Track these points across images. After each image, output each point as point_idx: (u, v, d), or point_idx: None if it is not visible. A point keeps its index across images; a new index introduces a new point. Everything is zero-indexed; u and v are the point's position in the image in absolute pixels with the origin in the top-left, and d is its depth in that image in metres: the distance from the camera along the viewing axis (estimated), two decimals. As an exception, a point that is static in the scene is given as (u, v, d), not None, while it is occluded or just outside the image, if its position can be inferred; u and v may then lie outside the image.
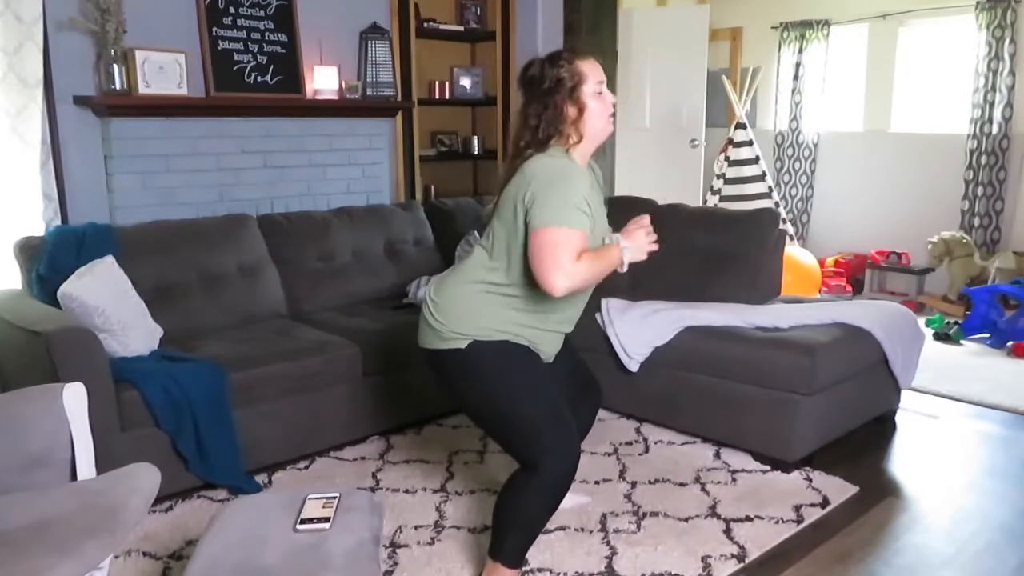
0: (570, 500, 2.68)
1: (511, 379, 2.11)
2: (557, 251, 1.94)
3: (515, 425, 2.11)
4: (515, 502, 2.12)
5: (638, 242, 2.16)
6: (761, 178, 6.04)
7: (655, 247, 2.19)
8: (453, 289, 2.15)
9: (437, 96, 4.94)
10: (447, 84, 4.98)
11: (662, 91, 6.16)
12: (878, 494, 2.88)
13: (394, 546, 2.51)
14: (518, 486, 2.11)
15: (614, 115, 2.17)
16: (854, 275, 5.94)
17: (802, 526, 2.64)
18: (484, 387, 2.13)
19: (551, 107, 2.07)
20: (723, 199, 5.99)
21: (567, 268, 1.94)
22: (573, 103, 2.07)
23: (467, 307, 2.12)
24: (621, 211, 4.17)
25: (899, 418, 3.58)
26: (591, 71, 2.09)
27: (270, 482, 2.97)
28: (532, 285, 2.05)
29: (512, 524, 2.15)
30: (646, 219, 2.21)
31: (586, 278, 2.01)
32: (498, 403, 2.12)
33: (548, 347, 2.25)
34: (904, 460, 3.23)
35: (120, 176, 3.54)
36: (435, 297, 2.17)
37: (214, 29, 3.78)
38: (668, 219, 4.01)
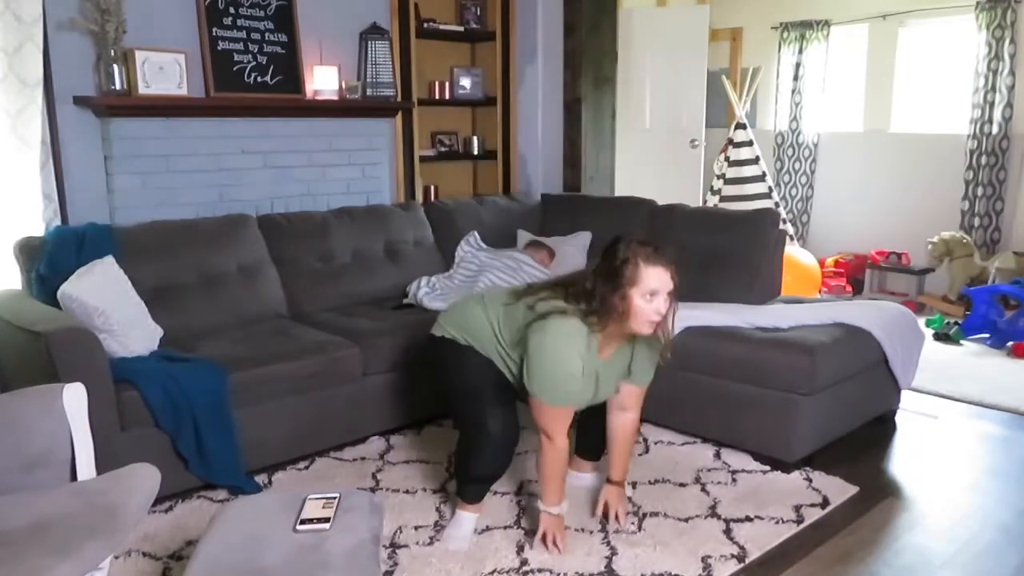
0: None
1: (466, 363, 2.51)
2: (554, 422, 2.36)
3: (461, 409, 2.57)
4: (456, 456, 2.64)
5: (548, 530, 2.48)
6: (761, 178, 6.04)
7: (550, 548, 2.47)
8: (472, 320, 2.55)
9: (437, 96, 4.94)
10: (447, 84, 4.98)
11: (662, 91, 6.16)
12: (878, 494, 2.88)
13: (394, 546, 2.51)
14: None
15: (657, 324, 2.27)
16: (854, 275, 5.94)
17: (802, 526, 2.64)
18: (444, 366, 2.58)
19: (603, 282, 2.26)
20: (723, 199, 5.99)
21: (558, 438, 2.38)
22: (619, 296, 2.23)
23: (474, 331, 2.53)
24: (621, 212, 4.21)
25: (899, 418, 3.58)
26: (649, 277, 2.22)
27: (270, 482, 2.97)
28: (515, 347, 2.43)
29: (456, 472, 2.64)
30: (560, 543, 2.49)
31: (542, 462, 2.43)
32: (450, 378, 2.57)
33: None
34: (904, 460, 3.23)
35: (120, 176, 3.54)
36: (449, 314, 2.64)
37: (214, 29, 3.78)
38: (668, 219, 4.03)
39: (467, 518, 2.57)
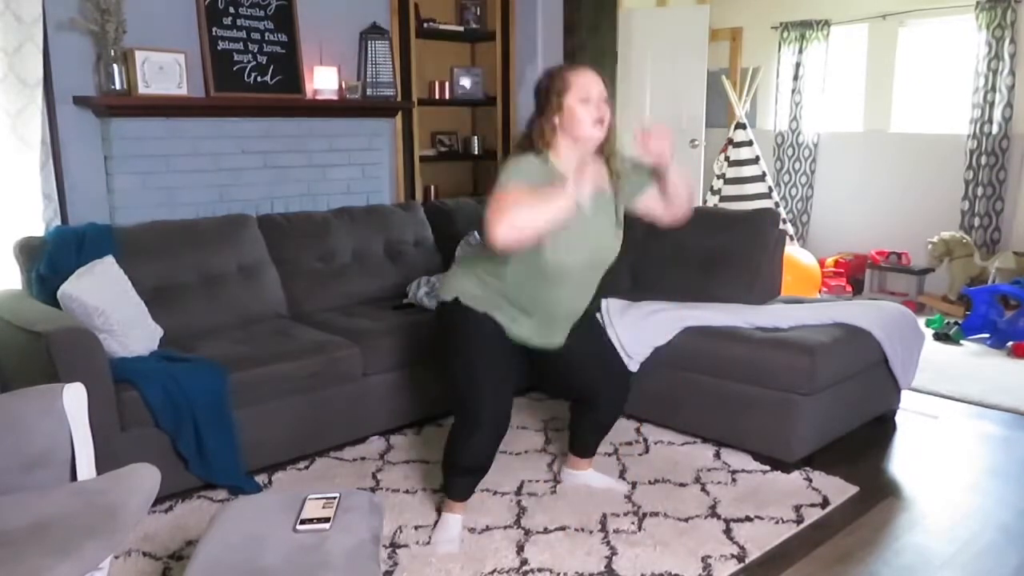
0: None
1: (468, 342, 2.44)
2: (494, 206, 2.09)
3: (456, 386, 2.50)
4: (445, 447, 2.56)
5: (587, 177, 2.11)
6: (761, 178, 6.04)
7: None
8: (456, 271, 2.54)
9: (437, 96, 4.94)
10: (447, 84, 4.98)
11: (662, 91, 6.16)
12: (878, 494, 2.88)
13: (394, 546, 2.51)
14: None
15: (603, 122, 2.27)
16: (854, 275, 5.94)
17: (802, 526, 2.64)
18: (448, 340, 2.51)
19: (538, 113, 2.31)
20: (723, 199, 5.99)
21: (497, 216, 2.06)
22: (557, 109, 2.26)
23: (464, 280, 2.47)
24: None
25: (899, 418, 3.58)
26: (577, 80, 2.27)
27: (270, 482, 2.97)
28: (510, 271, 2.34)
29: (443, 464, 2.58)
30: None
31: (526, 219, 2.07)
32: (451, 358, 2.50)
33: (529, 334, 2.47)
34: (904, 460, 3.23)
35: (120, 176, 3.54)
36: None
37: (214, 29, 3.78)
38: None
39: (453, 520, 2.58)
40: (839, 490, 2.87)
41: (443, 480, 2.61)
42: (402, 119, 4.62)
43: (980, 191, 5.44)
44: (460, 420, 2.52)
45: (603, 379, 2.70)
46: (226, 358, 2.94)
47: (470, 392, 2.46)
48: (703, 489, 2.89)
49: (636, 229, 4.01)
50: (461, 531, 2.57)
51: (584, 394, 2.75)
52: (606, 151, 2.35)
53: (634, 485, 2.92)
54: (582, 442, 2.89)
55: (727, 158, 6.09)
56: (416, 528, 2.62)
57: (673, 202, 2.45)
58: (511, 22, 4.96)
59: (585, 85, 2.26)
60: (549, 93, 2.27)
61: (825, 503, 2.78)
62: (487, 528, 2.62)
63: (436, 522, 2.63)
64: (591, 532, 2.60)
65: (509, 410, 2.51)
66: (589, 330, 2.66)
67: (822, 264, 5.89)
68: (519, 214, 2.06)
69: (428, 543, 2.53)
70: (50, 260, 3.01)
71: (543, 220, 2.09)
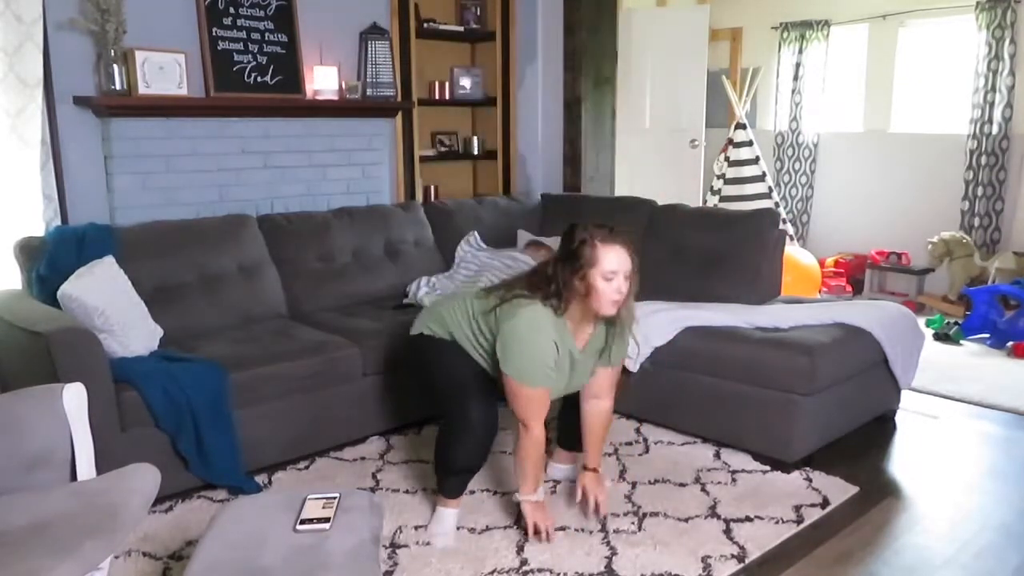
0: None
1: (444, 355, 2.57)
2: (530, 406, 2.39)
3: (441, 399, 2.60)
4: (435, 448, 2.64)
5: (534, 520, 2.50)
6: (761, 178, 6.04)
7: (543, 536, 2.51)
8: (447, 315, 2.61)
9: (437, 96, 4.94)
10: (447, 84, 4.98)
11: (662, 91, 6.16)
12: (878, 494, 2.88)
13: (394, 546, 2.51)
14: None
15: (620, 301, 2.35)
16: (854, 275, 5.94)
17: (802, 526, 2.64)
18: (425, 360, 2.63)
19: (564, 267, 2.34)
20: (723, 199, 5.99)
21: (535, 425, 2.41)
22: (579, 278, 2.31)
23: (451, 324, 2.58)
24: (622, 211, 4.20)
25: (899, 418, 3.58)
26: (606, 257, 2.30)
27: (270, 482, 2.97)
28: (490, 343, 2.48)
29: (435, 465, 2.63)
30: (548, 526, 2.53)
31: (521, 449, 2.46)
32: (432, 372, 2.61)
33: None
34: (904, 460, 3.23)
35: (120, 176, 3.54)
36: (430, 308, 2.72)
37: (214, 29, 3.78)
38: (668, 219, 4.03)
39: (448, 514, 2.61)
40: (839, 490, 2.87)
41: (436, 480, 2.64)
42: (402, 119, 4.61)
43: (980, 191, 5.44)
44: (449, 424, 2.56)
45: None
46: (226, 358, 2.94)
47: (457, 397, 2.51)
48: (703, 489, 2.89)
49: (636, 228, 4.04)
50: (456, 524, 2.60)
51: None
52: (617, 319, 2.43)
53: (634, 485, 2.92)
54: (568, 436, 2.92)
55: (727, 158, 6.09)
56: (416, 528, 2.62)
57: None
58: (511, 22, 4.96)
59: (613, 265, 2.30)
60: (578, 258, 2.30)
61: (825, 503, 2.78)
62: (487, 528, 2.62)
63: (431, 517, 2.64)
64: (591, 532, 2.60)
65: (495, 415, 2.55)
66: None
67: (822, 264, 5.90)
68: (525, 452, 2.45)
69: (428, 544, 2.53)
70: (50, 260, 3.01)
71: (520, 458, 2.49)
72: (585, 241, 2.31)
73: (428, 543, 2.53)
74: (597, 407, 2.65)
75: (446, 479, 2.60)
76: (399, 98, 4.49)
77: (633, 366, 3.27)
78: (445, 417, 2.59)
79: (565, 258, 2.34)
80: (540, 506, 2.52)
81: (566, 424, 2.90)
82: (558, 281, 2.33)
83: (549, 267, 2.39)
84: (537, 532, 2.50)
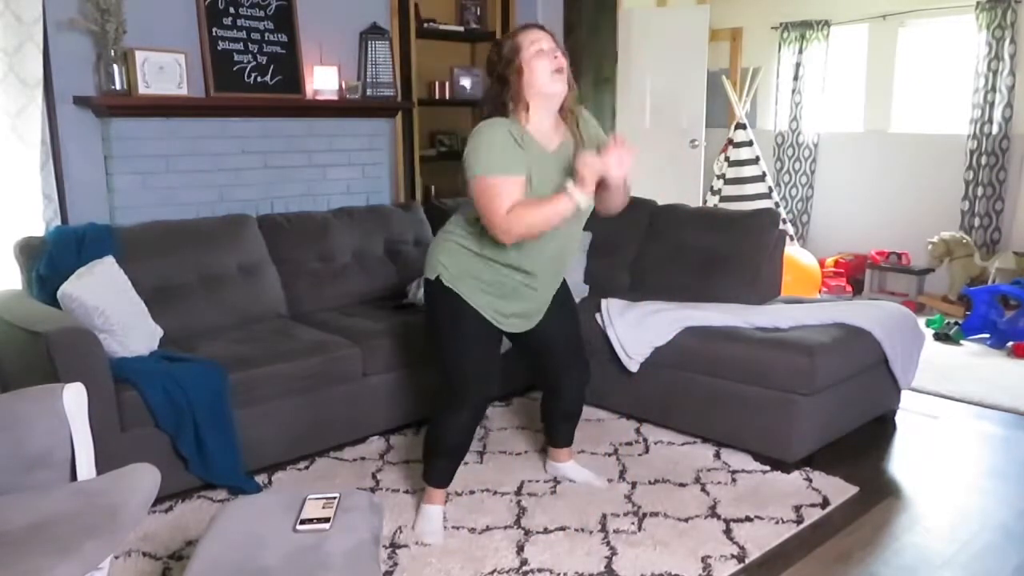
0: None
1: (455, 325, 2.47)
2: (491, 203, 2.22)
3: (444, 367, 2.54)
4: (428, 428, 2.62)
5: (589, 177, 2.21)
6: (761, 178, 6.04)
7: (619, 170, 2.25)
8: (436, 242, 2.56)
9: (437, 96, 4.94)
10: (447, 84, 4.98)
11: (662, 91, 6.16)
12: (878, 494, 2.88)
13: (394, 546, 2.51)
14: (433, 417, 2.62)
15: (561, 71, 2.30)
16: (854, 275, 5.94)
17: (802, 526, 2.64)
18: (435, 322, 2.53)
19: (495, 84, 2.34)
20: (723, 199, 5.99)
21: (500, 221, 2.22)
22: (515, 72, 2.29)
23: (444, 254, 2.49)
24: (622, 211, 4.19)
25: (899, 418, 3.58)
26: (525, 37, 2.31)
27: (270, 482, 2.97)
28: (482, 234, 2.36)
29: (424, 449, 2.62)
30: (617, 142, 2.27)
31: (530, 225, 2.24)
32: (439, 340, 2.53)
33: (506, 312, 2.48)
34: (904, 460, 3.23)
35: (120, 176, 3.54)
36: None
37: (214, 29, 3.78)
38: (668, 219, 4.03)
39: (434, 511, 2.62)
40: (839, 490, 2.87)
41: (424, 466, 2.64)
42: (402, 119, 4.61)
43: (980, 191, 5.44)
44: (446, 398, 2.56)
45: (564, 364, 2.74)
46: (226, 358, 2.94)
47: (456, 373, 2.51)
48: (703, 489, 2.89)
49: (636, 229, 4.04)
50: (443, 521, 2.62)
51: (547, 379, 2.80)
52: (566, 109, 2.39)
53: (634, 485, 2.92)
54: (554, 431, 2.94)
55: (727, 158, 6.09)
56: (416, 528, 2.62)
57: (611, 198, 2.47)
58: (511, 22, 4.96)
59: (535, 40, 2.31)
60: (502, 60, 2.31)
61: (825, 503, 2.78)
62: (487, 528, 2.62)
63: (416, 517, 2.65)
64: (591, 532, 2.60)
65: (495, 386, 2.59)
66: (564, 308, 2.69)
67: (822, 264, 5.89)
68: (533, 221, 2.22)
69: (427, 544, 2.53)
70: (50, 260, 3.01)
71: (552, 223, 2.25)
72: (501, 43, 2.34)
73: (427, 544, 2.52)
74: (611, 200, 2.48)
75: (436, 461, 2.60)
76: (399, 98, 4.49)
77: (634, 366, 3.28)
78: (443, 385, 2.56)
79: (496, 73, 2.34)
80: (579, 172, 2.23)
81: (549, 420, 2.92)
82: (495, 90, 2.32)
83: (489, 89, 2.38)
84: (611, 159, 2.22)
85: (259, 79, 3.94)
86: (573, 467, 2.97)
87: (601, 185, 2.32)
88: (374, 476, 3.02)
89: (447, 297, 2.46)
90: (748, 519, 2.67)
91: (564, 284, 2.68)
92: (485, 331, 2.49)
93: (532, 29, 2.35)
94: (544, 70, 2.29)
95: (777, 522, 2.65)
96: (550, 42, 2.33)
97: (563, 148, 2.40)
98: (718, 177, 6.12)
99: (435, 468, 2.62)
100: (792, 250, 5.07)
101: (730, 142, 6.10)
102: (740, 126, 6.08)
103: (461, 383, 2.50)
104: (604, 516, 2.69)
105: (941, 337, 4.78)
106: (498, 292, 2.46)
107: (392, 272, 3.95)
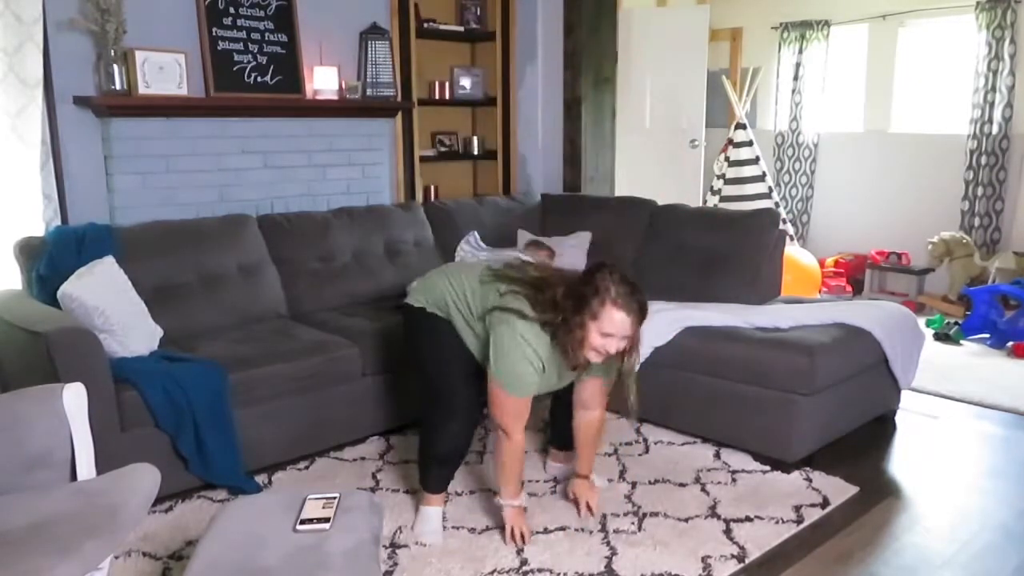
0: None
1: (437, 336, 2.55)
2: (512, 414, 2.40)
3: (428, 379, 2.62)
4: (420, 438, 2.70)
5: (512, 525, 2.51)
6: (761, 178, 6.04)
7: (518, 541, 2.51)
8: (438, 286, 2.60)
9: (437, 96, 4.94)
10: (447, 84, 4.97)
11: (662, 91, 6.16)
12: (878, 494, 2.88)
13: (394, 546, 2.51)
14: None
15: (602, 356, 2.34)
16: (854, 275, 5.94)
17: (802, 526, 2.64)
18: (417, 337, 2.61)
19: (567, 295, 2.31)
20: (723, 199, 5.99)
21: (515, 432, 2.42)
22: (578, 325, 2.27)
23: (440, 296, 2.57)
24: (621, 212, 4.21)
25: (899, 418, 3.58)
26: (607, 320, 2.26)
27: (270, 482, 2.97)
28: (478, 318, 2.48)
29: (418, 458, 2.69)
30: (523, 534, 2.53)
31: (499, 457, 2.48)
32: (421, 351, 2.61)
33: None
34: (904, 460, 3.23)
35: (120, 176, 3.54)
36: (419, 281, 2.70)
37: (214, 29, 3.78)
38: (668, 219, 4.03)
39: (433, 512, 2.63)
40: (839, 490, 2.87)
41: (420, 474, 2.66)
42: (402, 119, 4.61)
43: (980, 191, 5.44)
44: (433, 410, 2.58)
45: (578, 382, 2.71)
46: (226, 358, 2.94)
47: (442, 382, 2.55)
48: (703, 489, 2.89)
49: (636, 229, 4.04)
50: (441, 521, 2.62)
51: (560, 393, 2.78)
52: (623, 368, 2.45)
53: (634, 485, 2.92)
54: (559, 435, 2.94)
55: (727, 158, 6.09)
56: (415, 529, 2.62)
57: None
58: (511, 22, 4.96)
59: (614, 327, 2.27)
60: (586, 304, 2.26)
61: (825, 503, 2.78)
62: (487, 528, 2.62)
63: (415, 518, 2.65)
64: (591, 532, 2.60)
65: (481, 400, 2.56)
66: None
67: (822, 264, 5.90)
68: (503, 458, 2.46)
69: (427, 544, 2.53)
70: (50, 260, 3.01)
71: (501, 464, 2.48)
72: (598, 293, 2.26)
73: (425, 545, 2.52)
74: (587, 417, 2.65)
75: (431, 470, 2.62)
76: (399, 98, 4.49)
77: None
78: (430, 399, 2.60)
79: (575, 297, 2.29)
80: (520, 512, 2.54)
81: (558, 423, 2.91)
82: (559, 315, 2.30)
83: (558, 293, 2.33)
84: (513, 536, 2.51)
85: (259, 79, 3.94)
86: (571, 468, 2.97)
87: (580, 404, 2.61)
88: (374, 476, 3.02)
89: (429, 317, 2.55)
90: (748, 519, 2.67)
91: None
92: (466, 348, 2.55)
93: (623, 316, 2.26)
94: (591, 348, 2.30)
95: (777, 522, 2.65)
96: (627, 331, 2.29)
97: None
98: (718, 177, 6.12)
99: (430, 476, 2.63)
100: (792, 250, 5.07)
101: (730, 142, 6.10)
102: (740, 126, 6.08)
103: (447, 392, 2.54)
104: (604, 516, 2.69)
105: (941, 337, 4.78)
106: None
107: (392, 272, 3.95)
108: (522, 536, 2.51)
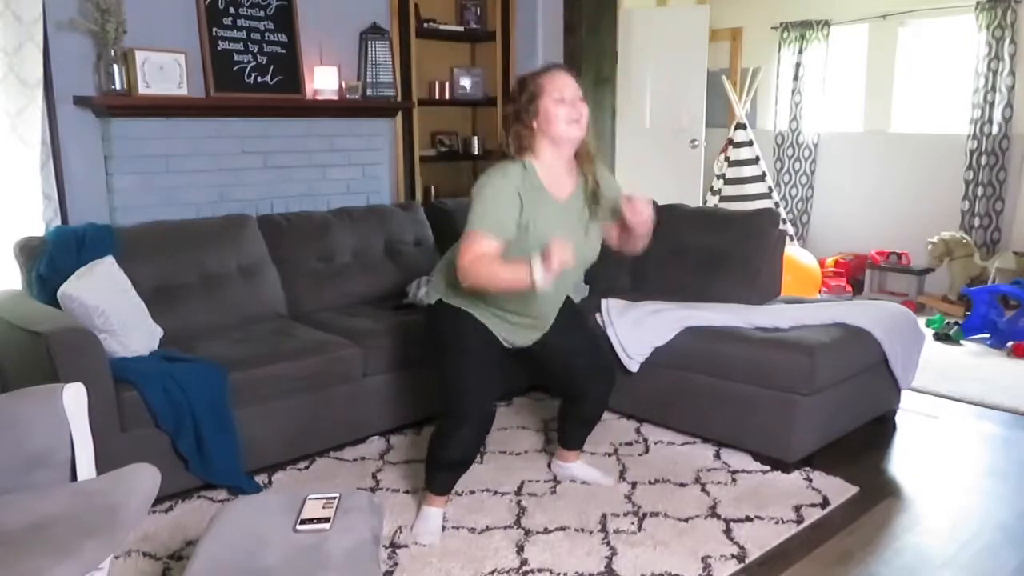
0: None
1: (456, 340, 2.49)
2: (466, 246, 2.26)
3: (444, 380, 2.55)
4: (430, 441, 2.62)
5: (555, 263, 2.11)
6: (761, 178, 6.04)
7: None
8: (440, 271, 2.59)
9: (437, 96, 4.94)
10: (447, 84, 4.98)
11: (662, 91, 6.16)
12: (878, 494, 2.88)
13: (394, 546, 2.51)
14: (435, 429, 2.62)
15: (578, 121, 2.32)
16: (854, 275, 5.94)
17: (802, 526, 2.64)
18: (437, 340, 2.55)
19: (514, 121, 2.35)
20: (723, 199, 5.99)
21: (463, 263, 2.24)
22: (533, 113, 2.30)
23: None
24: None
25: (899, 418, 3.58)
26: (550, 81, 2.31)
27: (270, 482, 2.97)
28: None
29: (426, 458, 2.63)
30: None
31: (486, 281, 2.24)
32: (439, 357, 2.54)
33: (507, 335, 2.54)
34: (904, 460, 3.23)
35: (120, 176, 3.54)
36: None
37: (214, 29, 3.78)
38: (668, 219, 4.03)
39: (434, 513, 2.62)
40: (839, 490, 2.87)
41: (426, 474, 2.65)
42: (402, 119, 4.61)
43: (980, 191, 5.44)
44: (446, 415, 2.57)
45: (588, 375, 2.74)
46: (226, 358, 2.94)
47: (456, 387, 2.51)
48: (703, 489, 2.89)
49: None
50: (441, 523, 2.61)
51: (571, 390, 2.79)
52: (582, 155, 2.41)
53: (634, 485, 2.92)
54: (568, 435, 2.94)
55: (727, 158, 6.09)
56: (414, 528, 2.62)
57: (632, 240, 2.54)
58: (511, 22, 4.96)
59: (559, 86, 2.31)
60: (523, 98, 2.32)
61: (825, 503, 2.78)
62: (487, 528, 2.62)
63: (416, 516, 2.65)
64: (591, 532, 2.60)
65: (493, 407, 2.59)
66: (573, 323, 2.70)
67: (822, 264, 5.89)
68: (489, 279, 2.24)
69: (426, 544, 2.53)
70: (50, 260, 3.00)
71: (502, 286, 2.26)
72: (526, 79, 2.35)
73: (423, 545, 2.52)
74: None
75: (436, 473, 2.61)
76: (399, 98, 4.49)
77: (634, 366, 3.28)
78: (444, 403, 2.57)
79: (515, 110, 2.35)
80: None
81: (567, 424, 2.92)
82: (512, 129, 2.33)
83: (505, 127, 2.39)
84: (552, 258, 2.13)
85: (259, 79, 3.94)
86: (580, 467, 2.97)
87: (624, 228, 2.46)
88: (374, 476, 3.02)
89: (450, 312, 2.49)
90: (748, 519, 2.67)
91: (569, 300, 2.69)
92: (487, 346, 2.51)
93: (558, 73, 2.34)
94: (561, 118, 2.30)
95: (777, 522, 2.65)
96: (573, 90, 2.33)
97: (573, 199, 2.43)
98: (718, 177, 6.12)
99: (436, 478, 2.62)
100: (792, 250, 5.07)
101: (730, 142, 6.10)
102: (740, 126, 6.08)
103: (461, 398, 2.51)
104: (604, 516, 2.69)
105: (941, 337, 4.78)
106: (500, 315, 2.49)
107: (392, 272, 3.95)
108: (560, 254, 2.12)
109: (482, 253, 2.24)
